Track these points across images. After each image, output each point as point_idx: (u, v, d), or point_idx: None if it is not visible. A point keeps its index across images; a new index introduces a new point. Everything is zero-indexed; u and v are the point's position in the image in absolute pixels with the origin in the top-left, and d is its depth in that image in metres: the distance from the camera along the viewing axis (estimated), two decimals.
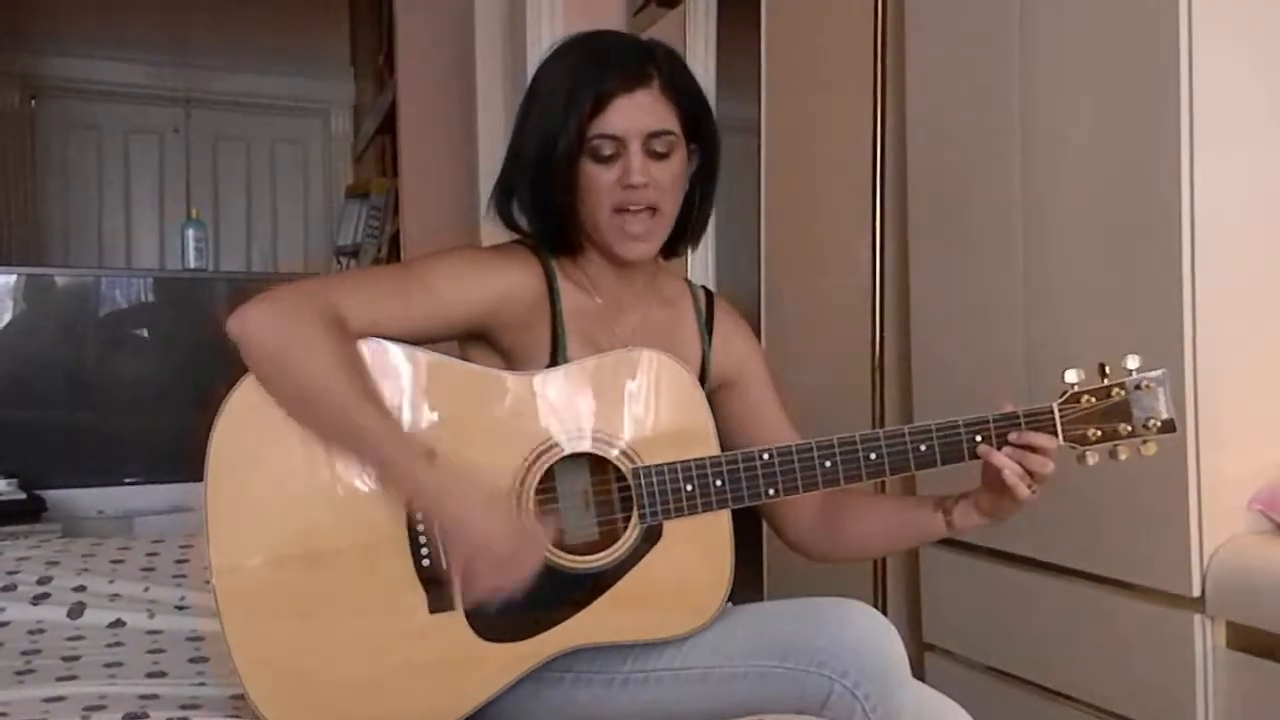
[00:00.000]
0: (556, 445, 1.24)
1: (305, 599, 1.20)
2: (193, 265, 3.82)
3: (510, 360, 1.32)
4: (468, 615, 1.21)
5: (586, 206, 1.29)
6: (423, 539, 1.21)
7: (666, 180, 1.29)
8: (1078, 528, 1.70)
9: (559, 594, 1.23)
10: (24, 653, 1.62)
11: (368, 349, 1.22)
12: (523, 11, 3.31)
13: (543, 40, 3.17)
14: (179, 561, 2.08)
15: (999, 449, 1.27)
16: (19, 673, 1.52)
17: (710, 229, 1.42)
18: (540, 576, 1.21)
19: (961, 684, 1.84)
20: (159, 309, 3.55)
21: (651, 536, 1.26)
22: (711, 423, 1.30)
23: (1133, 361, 1.29)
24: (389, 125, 4.73)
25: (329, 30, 5.80)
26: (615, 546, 1.25)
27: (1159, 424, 1.28)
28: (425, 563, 1.20)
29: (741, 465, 1.27)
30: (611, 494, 1.28)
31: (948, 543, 1.88)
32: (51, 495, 3.04)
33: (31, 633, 1.72)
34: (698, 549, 1.27)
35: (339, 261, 5.19)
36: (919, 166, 2.09)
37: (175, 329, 3.52)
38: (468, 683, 1.22)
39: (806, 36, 2.50)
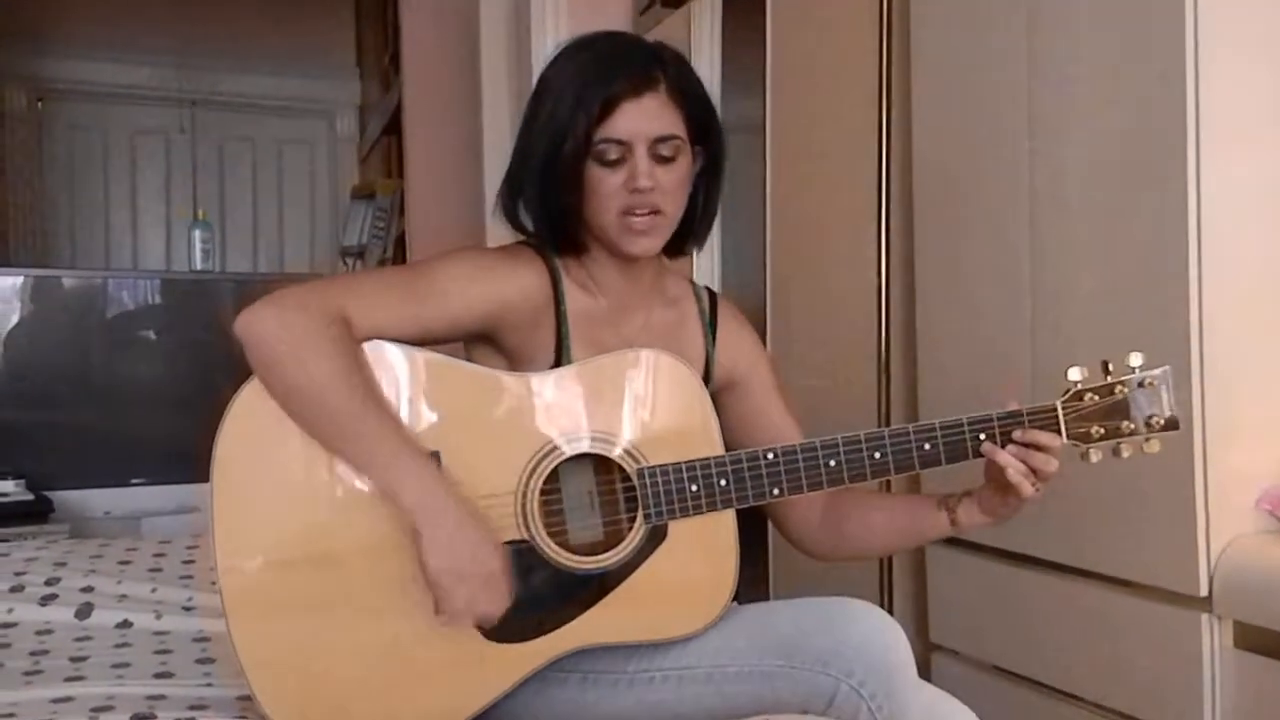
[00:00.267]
0: (560, 446, 1.24)
1: (311, 599, 1.20)
2: (199, 266, 3.83)
3: (515, 361, 1.32)
4: None
5: (592, 208, 1.29)
6: None
7: (672, 184, 1.29)
8: (1085, 527, 1.70)
9: (564, 594, 1.23)
10: (32, 653, 1.63)
11: (370, 350, 1.22)
12: (528, 12, 3.32)
13: (548, 41, 3.17)
14: (186, 562, 2.09)
15: (1003, 447, 1.27)
16: (27, 673, 1.53)
17: (716, 229, 1.42)
18: (546, 577, 1.21)
19: (967, 684, 1.84)
20: (165, 310, 3.56)
21: (656, 537, 1.26)
22: (715, 422, 1.30)
23: (1136, 359, 1.29)
24: (394, 126, 4.74)
25: (334, 31, 5.82)
26: (620, 547, 1.25)
27: (1162, 422, 1.28)
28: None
29: (746, 465, 1.27)
30: (616, 494, 1.28)
31: (954, 542, 1.88)
32: (59, 496, 3.05)
33: (39, 633, 1.73)
34: (702, 549, 1.27)
35: (345, 262, 5.20)
36: (924, 165, 2.08)
37: (181, 330, 3.53)
38: (473, 683, 1.22)
39: (812, 35, 2.49)
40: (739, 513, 1.29)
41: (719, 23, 2.98)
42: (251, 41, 5.46)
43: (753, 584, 1.91)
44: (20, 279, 3.33)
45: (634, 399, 1.27)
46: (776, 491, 1.28)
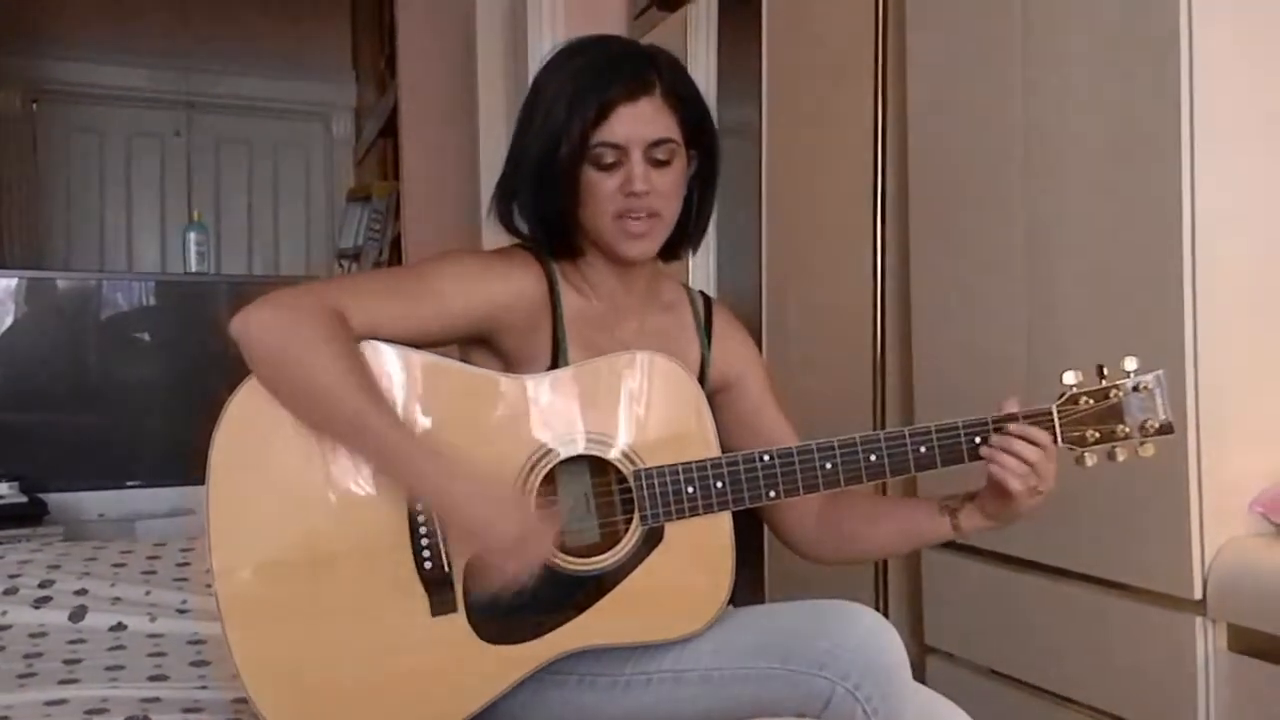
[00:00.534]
0: (556, 448, 1.24)
1: (307, 602, 1.20)
2: (194, 268, 3.82)
3: (511, 363, 1.32)
4: (469, 617, 1.22)
5: (588, 212, 1.30)
6: (424, 541, 1.21)
7: (667, 187, 1.29)
8: (1079, 531, 1.70)
9: (560, 596, 1.24)
10: (26, 656, 1.63)
11: (366, 351, 1.22)
12: (524, 15, 3.32)
13: (544, 43, 3.17)
14: (180, 565, 2.09)
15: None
16: (20, 676, 1.52)
17: (711, 232, 1.43)
18: (542, 578, 1.21)
19: (963, 687, 1.84)
20: (161, 312, 3.55)
21: (653, 539, 1.26)
22: (712, 423, 1.30)
23: (1131, 363, 1.29)
24: (390, 128, 4.73)
25: (330, 34, 5.81)
26: (616, 549, 1.25)
27: (1156, 426, 1.29)
28: (427, 565, 1.21)
29: (742, 467, 1.27)
30: (613, 496, 1.28)
31: (949, 545, 1.88)
32: (53, 499, 3.04)
33: (33, 636, 1.73)
34: (699, 551, 1.28)
35: (340, 265, 5.20)
36: (920, 171, 2.09)
37: (177, 332, 3.52)
38: (469, 685, 1.22)
39: (808, 40, 2.50)
40: (735, 515, 1.29)
41: (715, 27, 2.98)
42: (247, 44, 5.45)
43: (748, 586, 1.91)
44: (15, 280, 3.33)
45: (630, 401, 1.27)
46: (773, 494, 1.28)
